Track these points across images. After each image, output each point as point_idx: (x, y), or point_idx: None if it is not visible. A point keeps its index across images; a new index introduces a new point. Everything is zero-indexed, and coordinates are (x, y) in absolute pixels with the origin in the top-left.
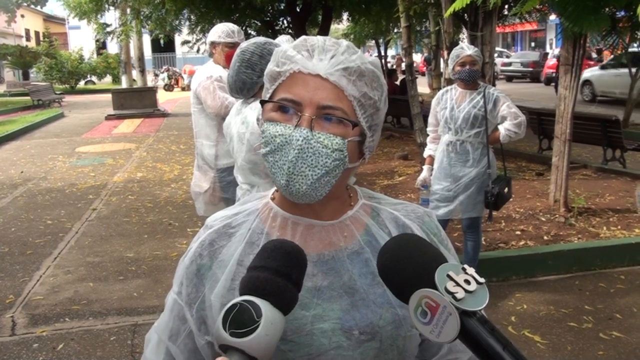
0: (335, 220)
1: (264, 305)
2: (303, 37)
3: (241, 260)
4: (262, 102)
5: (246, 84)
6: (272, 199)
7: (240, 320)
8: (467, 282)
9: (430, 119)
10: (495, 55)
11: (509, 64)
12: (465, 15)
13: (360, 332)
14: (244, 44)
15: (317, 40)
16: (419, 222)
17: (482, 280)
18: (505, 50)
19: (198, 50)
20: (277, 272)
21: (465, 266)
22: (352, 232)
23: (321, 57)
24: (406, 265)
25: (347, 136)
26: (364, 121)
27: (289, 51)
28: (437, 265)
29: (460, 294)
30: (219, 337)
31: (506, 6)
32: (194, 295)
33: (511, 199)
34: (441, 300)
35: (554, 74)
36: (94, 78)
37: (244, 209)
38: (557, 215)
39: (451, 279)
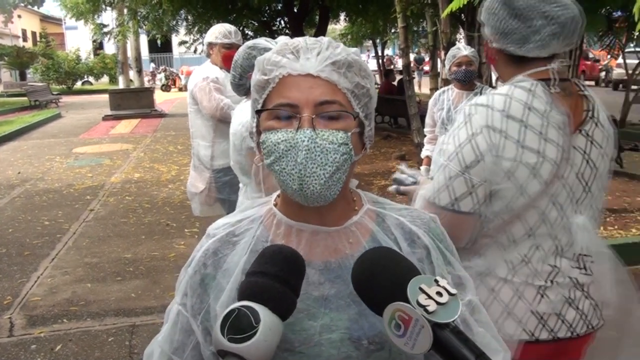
0: (340, 226)
1: (262, 310)
2: (283, 41)
3: (246, 269)
4: (258, 112)
5: (232, 85)
6: (275, 205)
7: (239, 325)
8: (439, 294)
9: (427, 120)
10: None
11: None
12: (462, 15)
13: (369, 341)
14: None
15: (298, 41)
16: (425, 228)
17: (454, 291)
18: None
19: (195, 51)
20: (276, 278)
21: (438, 278)
22: (358, 239)
23: (307, 56)
24: (380, 279)
25: (349, 128)
26: (361, 111)
27: (273, 57)
28: (410, 278)
29: (431, 306)
30: (218, 343)
31: None
32: (199, 306)
33: None
34: (413, 313)
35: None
36: (91, 78)
37: (247, 216)
38: None
39: (423, 291)
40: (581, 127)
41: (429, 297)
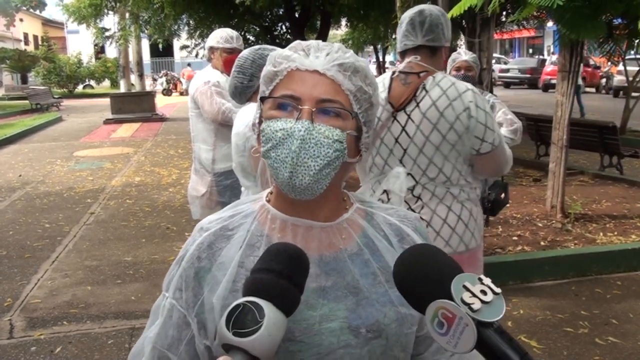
0: (333, 222)
1: (267, 306)
2: (297, 41)
3: (242, 262)
4: (262, 99)
5: (237, 89)
6: (268, 201)
7: (244, 320)
8: (484, 292)
9: None
10: (493, 61)
11: (507, 70)
12: (463, 21)
13: (367, 330)
14: (243, 52)
15: (311, 41)
16: (412, 227)
17: (498, 290)
18: (503, 56)
19: (197, 55)
20: (281, 275)
21: (482, 276)
22: (350, 234)
23: (317, 54)
24: (422, 276)
25: (346, 129)
26: (360, 115)
27: (285, 52)
28: (453, 275)
29: (476, 304)
30: (222, 337)
31: (504, 13)
32: (193, 299)
33: (508, 205)
34: (457, 311)
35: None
36: (92, 82)
37: (240, 211)
38: (553, 221)
39: (467, 289)
40: (404, 107)
41: (474, 295)
